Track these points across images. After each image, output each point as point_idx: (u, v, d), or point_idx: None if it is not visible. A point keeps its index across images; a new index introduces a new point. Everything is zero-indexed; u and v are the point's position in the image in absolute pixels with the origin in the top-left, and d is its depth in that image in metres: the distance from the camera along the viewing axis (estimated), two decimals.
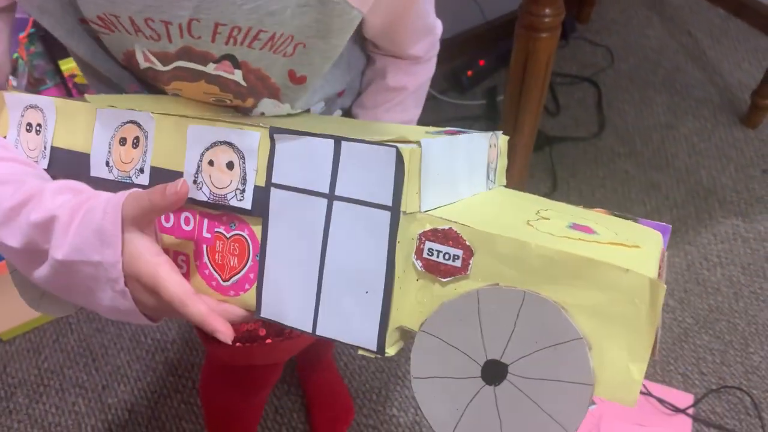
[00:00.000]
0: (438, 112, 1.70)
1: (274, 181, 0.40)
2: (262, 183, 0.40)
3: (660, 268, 0.39)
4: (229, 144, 0.40)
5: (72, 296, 0.44)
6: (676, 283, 1.36)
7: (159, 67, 0.48)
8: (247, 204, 0.40)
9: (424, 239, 0.37)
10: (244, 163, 0.40)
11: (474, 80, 1.77)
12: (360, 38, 0.59)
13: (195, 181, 0.42)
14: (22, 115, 0.50)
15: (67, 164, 0.48)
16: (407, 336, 0.40)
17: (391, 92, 0.63)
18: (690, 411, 1.16)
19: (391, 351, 0.39)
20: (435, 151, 0.38)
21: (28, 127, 0.50)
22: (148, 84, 0.52)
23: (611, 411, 1.14)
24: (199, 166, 0.42)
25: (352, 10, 0.46)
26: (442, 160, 0.40)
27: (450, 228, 0.37)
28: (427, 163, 0.38)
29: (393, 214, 0.37)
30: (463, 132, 0.47)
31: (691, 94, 1.78)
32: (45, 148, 0.49)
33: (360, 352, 0.39)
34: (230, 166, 0.41)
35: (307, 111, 0.59)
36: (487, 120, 1.70)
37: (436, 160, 0.39)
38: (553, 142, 1.64)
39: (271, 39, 0.46)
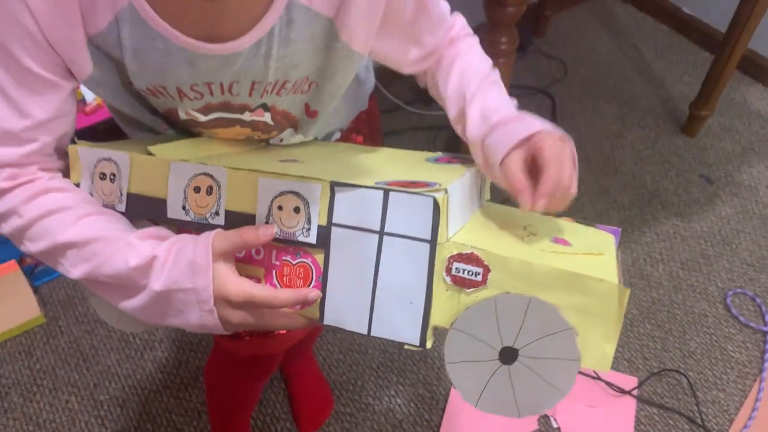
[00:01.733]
0: (405, 122, 1.81)
1: (334, 221, 0.50)
2: (323, 222, 0.50)
3: (618, 267, 0.53)
4: (295, 193, 0.50)
5: (160, 319, 0.52)
6: (623, 277, 1.49)
7: (201, 119, 0.57)
8: (312, 239, 0.51)
9: (452, 261, 0.49)
10: (308, 207, 0.50)
11: None
12: (360, 79, 0.70)
13: (266, 222, 0.52)
14: (95, 166, 0.58)
15: (144, 207, 0.56)
16: (437, 332, 0.52)
17: (465, 76, 0.63)
18: (634, 392, 1.29)
19: (428, 344, 0.51)
20: (455, 193, 0.50)
21: (101, 176, 0.58)
22: (180, 126, 0.61)
23: None
24: (269, 210, 0.51)
25: (354, 53, 0.56)
26: (458, 198, 0.52)
27: (472, 252, 0.49)
28: (451, 203, 0.49)
29: (431, 245, 0.48)
30: (457, 158, 0.61)
31: (638, 105, 1.93)
32: (121, 194, 0.57)
33: (406, 347, 0.51)
34: (297, 210, 0.50)
35: (321, 139, 0.71)
36: (451, 129, 1.81)
37: (455, 199, 0.51)
38: None
39: (294, 84, 0.56)
